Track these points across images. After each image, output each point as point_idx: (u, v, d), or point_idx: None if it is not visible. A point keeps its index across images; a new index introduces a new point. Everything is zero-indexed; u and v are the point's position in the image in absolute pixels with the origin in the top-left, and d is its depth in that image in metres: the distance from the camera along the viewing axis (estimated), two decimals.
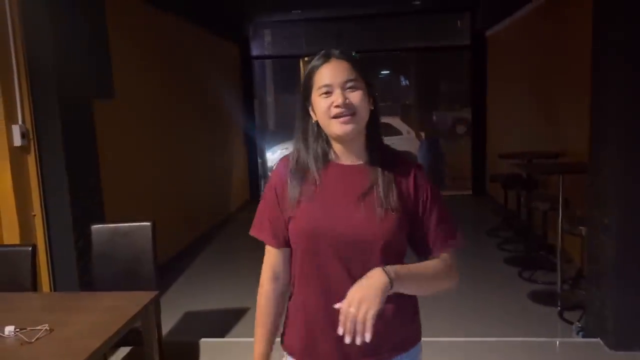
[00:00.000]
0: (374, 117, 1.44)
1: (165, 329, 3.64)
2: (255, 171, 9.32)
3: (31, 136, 3.36)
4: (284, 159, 1.49)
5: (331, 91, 1.37)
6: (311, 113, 1.45)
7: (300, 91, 1.47)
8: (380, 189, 1.39)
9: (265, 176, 9.90)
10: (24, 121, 3.31)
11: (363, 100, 1.38)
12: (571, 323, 3.66)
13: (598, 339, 3.34)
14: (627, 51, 3.05)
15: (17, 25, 3.28)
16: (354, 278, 1.31)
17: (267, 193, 1.49)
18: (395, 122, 12.48)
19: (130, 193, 4.58)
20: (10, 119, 3.25)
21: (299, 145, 1.48)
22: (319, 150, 1.45)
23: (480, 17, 8.29)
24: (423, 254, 1.45)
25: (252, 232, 1.52)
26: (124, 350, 3.33)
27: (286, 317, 1.54)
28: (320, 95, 1.39)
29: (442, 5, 8.62)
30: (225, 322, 4.01)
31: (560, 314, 3.87)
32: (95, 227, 2.99)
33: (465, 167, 8.74)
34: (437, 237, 1.43)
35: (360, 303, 1.22)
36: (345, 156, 1.45)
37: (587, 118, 3.44)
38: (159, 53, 5.43)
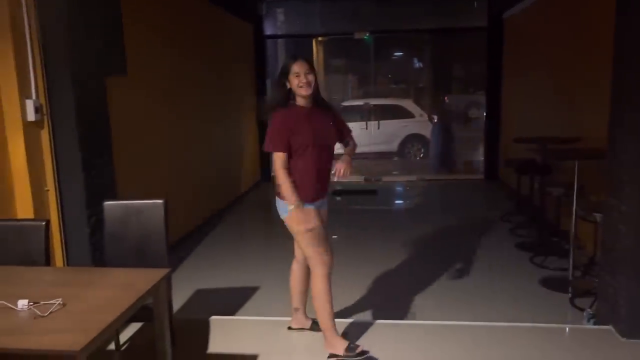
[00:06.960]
0: (316, 86, 2.93)
1: (176, 306, 3.67)
2: (266, 152, 9.26)
3: (44, 111, 3.36)
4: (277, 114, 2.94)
5: (299, 74, 2.86)
6: (287, 84, 2.90)
7: (279, 73, 2.95)
8: (332, 116, 3.05)
9: None
10: (37, 96, 3.31)
11: (314, 79, 2.90)
12: (582, 310, 3.64)
13: (610, 327, 3.32)
14: None
15: (31, 1, 3.26)
16: (328, 159, 3.00)
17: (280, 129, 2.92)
18: (408, 104, 12.36)
19: (143, 171, 4.59)
20: (24, 93, 3.25)
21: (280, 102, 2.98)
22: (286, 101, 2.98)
23: None
24: (344, 140, 3.15)
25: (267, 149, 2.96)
26: (135, 326, 3.36)
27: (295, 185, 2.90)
28: (294, 75, 2.87)
29: None
30: (235, 300, 4.04)
31: (572, 301, 3.85)
32: (108, 203, 2.98)
33: (478, 151, 8.65)
34: (347, 134, 3.15)
35: (349, 168, 3.00)
36: (304, 103, 2.94)
37: (606, 104, 3.37)
38: (173, 30, 5.39)
